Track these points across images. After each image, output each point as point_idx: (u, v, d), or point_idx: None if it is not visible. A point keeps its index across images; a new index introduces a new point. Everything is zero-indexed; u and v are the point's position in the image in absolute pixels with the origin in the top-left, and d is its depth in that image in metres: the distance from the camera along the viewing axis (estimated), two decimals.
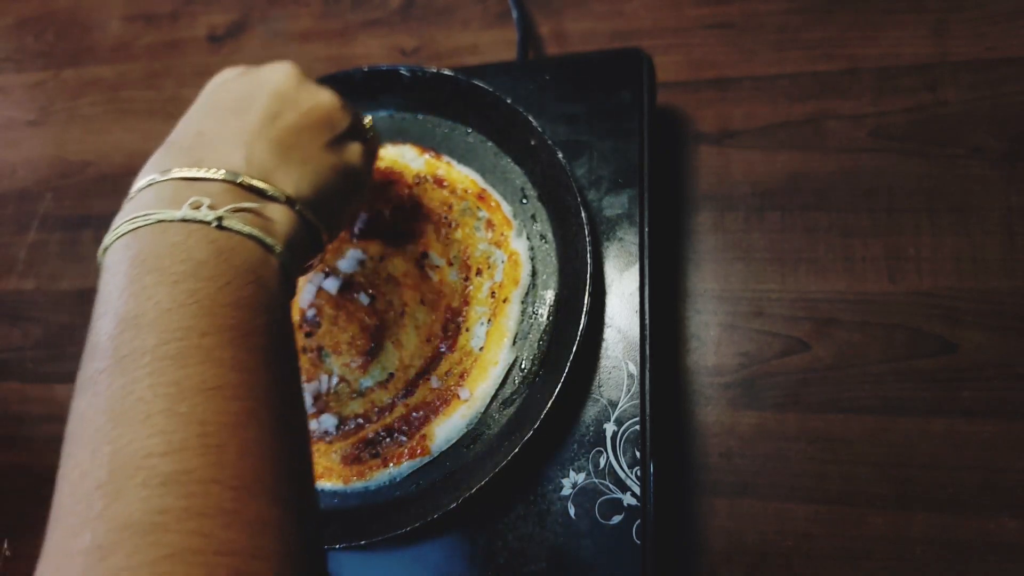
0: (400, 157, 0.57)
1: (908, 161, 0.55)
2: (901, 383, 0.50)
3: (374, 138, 0.48)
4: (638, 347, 0.46)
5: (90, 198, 0.74)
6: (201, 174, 0.35)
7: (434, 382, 0.50)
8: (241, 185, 0.35)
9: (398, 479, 0.49)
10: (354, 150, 0.43)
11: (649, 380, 0.46)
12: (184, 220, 0.33)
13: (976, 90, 0.56)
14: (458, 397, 0.49)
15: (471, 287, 0.51)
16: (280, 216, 0.36)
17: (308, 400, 0.53)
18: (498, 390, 0.49)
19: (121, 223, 0.33)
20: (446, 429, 0.48)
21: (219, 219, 0.33)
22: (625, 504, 0.44)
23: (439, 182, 0.55)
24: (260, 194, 0.36)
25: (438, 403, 0.49)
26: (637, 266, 0.48)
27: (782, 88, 0.60)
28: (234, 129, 0.38)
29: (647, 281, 0.48)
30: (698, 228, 0.57)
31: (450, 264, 0.52)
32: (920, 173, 0.55)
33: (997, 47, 0.57)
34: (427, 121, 0.58)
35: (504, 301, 0.50)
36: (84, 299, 0.70)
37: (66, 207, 0.75)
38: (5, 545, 0.63)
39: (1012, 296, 0.50)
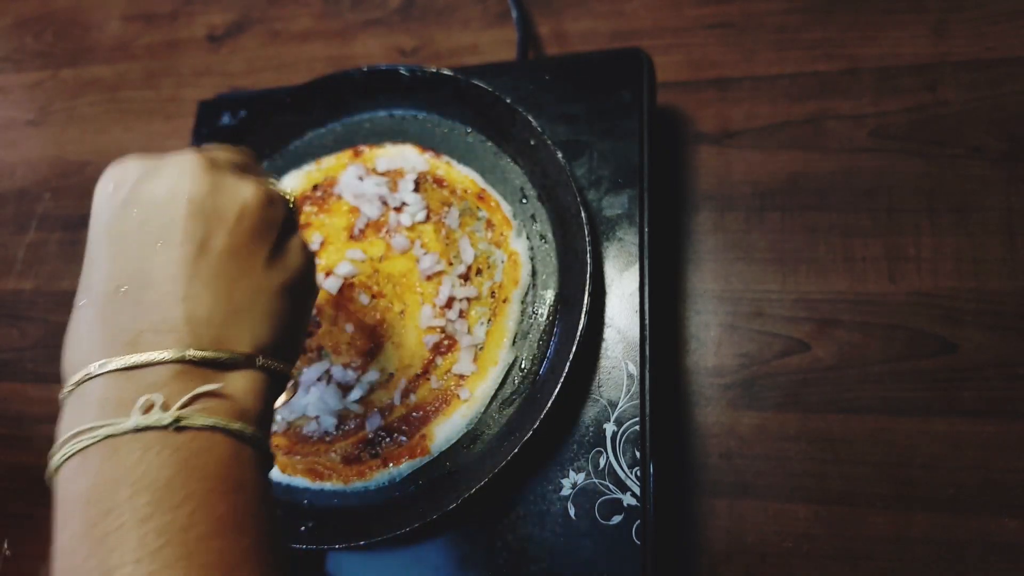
0: (400, 157, 0.57)
1: (908, 161, 0.55)
2: (901, 383, 0.50)
3: (297, 211, 0.39)
4: (638, 347, 0.46)
5: (89, 198, 0.73)
6: (143, 359, 0.29)
7: (434, 382, 0.50)
8: (192, 361, 0.30)
9: (398, 479, 0.49)
10: (295, 247, 0.36)
11: (649, 380, 0.46)
12: (136, 430, 0.28)
13: (976, 90, 0.56)
14: (458, 397, 0.49)
15: (471, 287, 0.51)
16: (243, 384, 0.31)
17: None
18: (498, 390, 0.49)
19: (66, 438, 0.29)
20: (446, 429, 0.48)
21: (176, 420, 0.28)
22: (625, 504, 0.44)
23: (439, 182, 0.55)
24: (216, 365, 0.31)
25: (438, 403, 0.49)
26: (637, 266, 0.48)
27: (782, 88, 0.60)
28: (162, 273, 0.31)
29: (647, 281, 0.48)
30: (698, 228, 0.57)
31: (450, 264, 0.52)
32: (920, 173, 0.55)
33: (997, 47, 0.57)
34: (427, 121, 0.58)
35: (504, 301, 0.50)
36: None
37: (65, 207, 0.74)
38: (5, 545, 0.63)
39: (1012, 296, 0.50)
